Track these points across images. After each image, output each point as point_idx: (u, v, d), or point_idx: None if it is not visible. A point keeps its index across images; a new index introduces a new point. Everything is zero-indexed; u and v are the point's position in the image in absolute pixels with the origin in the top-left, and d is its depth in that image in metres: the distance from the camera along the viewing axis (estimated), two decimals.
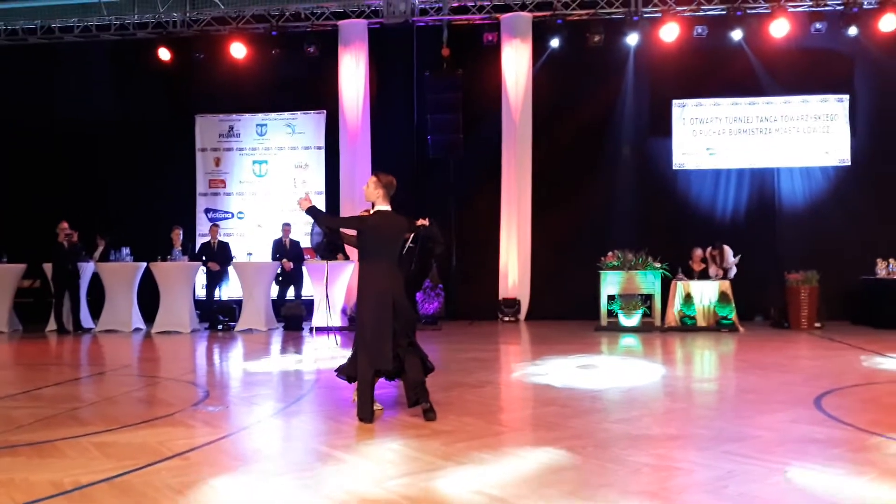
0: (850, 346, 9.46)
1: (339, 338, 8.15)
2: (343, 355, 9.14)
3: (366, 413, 5.28)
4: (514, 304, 13.09)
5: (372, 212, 5.64)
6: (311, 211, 5.63)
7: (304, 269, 12.32)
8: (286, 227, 12.56)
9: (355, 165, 13.26)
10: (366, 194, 5.66)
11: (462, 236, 13.41)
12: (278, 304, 12.29)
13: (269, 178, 13.93)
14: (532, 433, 5.00)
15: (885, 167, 12.84)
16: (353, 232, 5.69)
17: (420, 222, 5.86)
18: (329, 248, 6.34)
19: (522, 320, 13.10)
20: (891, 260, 11.95)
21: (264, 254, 12.70)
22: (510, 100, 13.17)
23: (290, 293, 12.50)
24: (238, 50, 13.44)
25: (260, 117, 13.96)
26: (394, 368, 5.40)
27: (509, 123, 13.19)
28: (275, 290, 12.42)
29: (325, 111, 13.70)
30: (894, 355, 8.47)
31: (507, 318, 12.97)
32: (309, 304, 12.18)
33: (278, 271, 12.30)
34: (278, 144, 13.92)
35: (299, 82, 13.79)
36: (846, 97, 13.03)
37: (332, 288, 11.87)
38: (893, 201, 12.71)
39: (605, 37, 12.92)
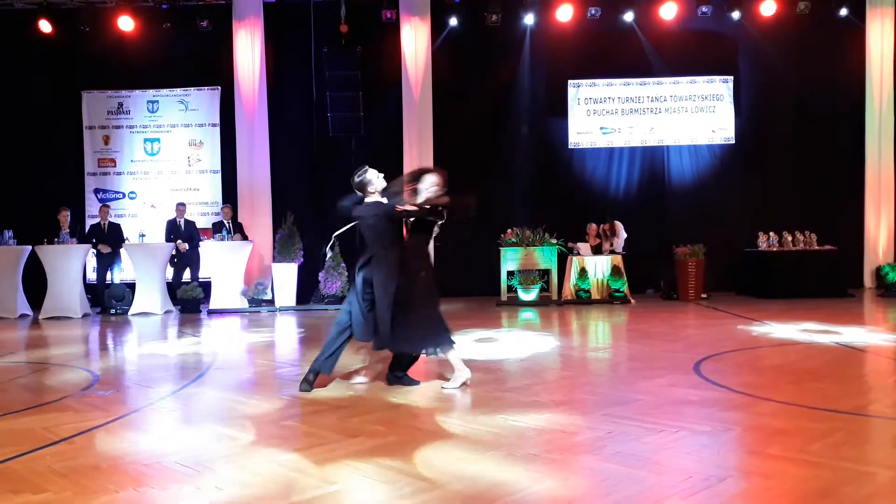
0: (733, 315, 10.02)
1: None
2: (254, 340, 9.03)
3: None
4: None
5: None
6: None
7: (199, 250, 12.03)
8: (181, 207, 12.23)
9: (252, 143, 13.00)
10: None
11: None
12: (174, 287, 11.98)
13: (161, 157, 13.49)
14: (427, 405, 5.11)
15: (766, 145, 13.60)
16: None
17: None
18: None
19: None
20: (772, 233, 12.69)
21: (158, 235, 12.32)
22: (410, 78, 13.18)
23: (187, 275, 12.19)
24: (126, 23, 12.90)
25: (151, 93, 13.47)
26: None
27: (410, 102, 13.21)
28: (170, 273, 12.09)
29: (219, 87, 13.35)
30: (772, 323, 9.04)
31: None
32: (206, 286, 11.92)
33: (173, 253, 11.97)
34: (171, 122, 13.48)
35: (192, 57, 13.36)
36: (731, 78, 13.68)
37: (231, 270, 11.67)
38: (774, 177, 13.48)
39: (502, 16, 13.11)
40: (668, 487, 3.27)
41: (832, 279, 12.22)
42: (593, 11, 13.21)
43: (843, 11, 13.17)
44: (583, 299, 11.87)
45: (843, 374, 5.83)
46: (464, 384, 5.49)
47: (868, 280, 13.39)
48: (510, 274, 12.08)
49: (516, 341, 8.01)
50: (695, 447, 3.88)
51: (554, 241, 11.93)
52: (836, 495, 3.12)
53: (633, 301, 11.85)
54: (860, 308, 10.84)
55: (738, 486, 3.29)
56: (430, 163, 13.28)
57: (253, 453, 3.94)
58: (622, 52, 13.52)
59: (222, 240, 11.80)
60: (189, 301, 11.59)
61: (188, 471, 3.66)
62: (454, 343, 5.59)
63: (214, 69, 13.33)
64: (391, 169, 13.64)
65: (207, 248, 11.84)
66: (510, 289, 12.11)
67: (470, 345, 7.75)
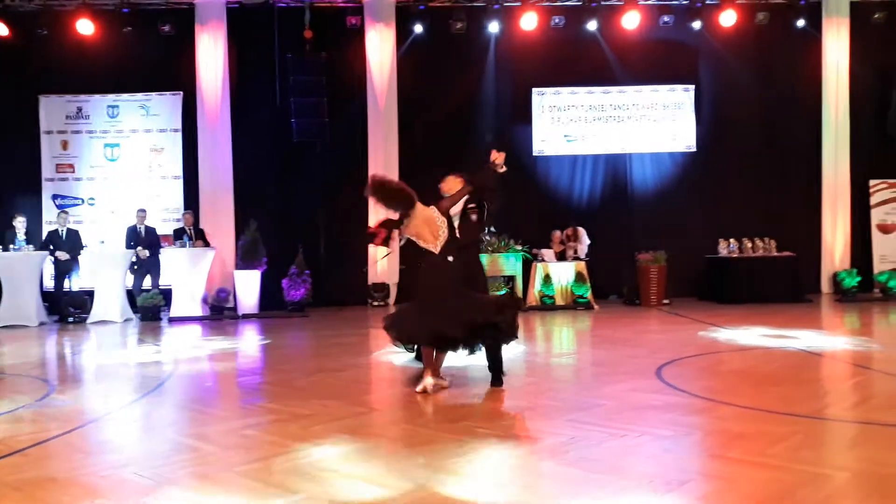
0: (694, 320, 10.15)
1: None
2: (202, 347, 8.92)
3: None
4: (383, 288, 13.14)
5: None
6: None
7: (160, 257, 11.85)
8: (141, 214, 12.04)
9: (215, 149, 12.85)
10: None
11: (330, 221, 13.30)
12: (134, 294, 11.77)
13: (121, 163, 13.25)
14: (391, 413, 5.09)
15: (726, 153, 13.81)
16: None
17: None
18: None
19: (392, 304, 13.17)
20: (732, 240, 12.89)
21: (118, 242, 12.11)
22: (375, 85, 13.15)
23: (147, 282, 11.99)
24: (85, 27, 12.66)
25: (111, 98, 13.24)
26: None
27: (375, 108, 13.18)
28: (130, 280, 11.88)
29: (181, 93, 13.16)
30: (732, 328, 9.17)
31: (376, 303, 13.01)
32: (167, 294, 11.74)
33: (133, 260, 11.77)
34: (131, 127, 13.26)
35: (153, 62, 13.16)
36: (692, 87, 13.88)
37: (192, 277, 11.52)
38: (734, 185, 13.70)
39: (467, 24, 13.15)
40: (631, 492, 3.29)
41: (791, 285, 12.44)
42: (557, 20, 13.32)
43: (801, 22, 13.46)
44: (547, 305, 11.93)
45: (801, 378, 5.93)
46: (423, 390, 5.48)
47: (825, 286, 13.66)
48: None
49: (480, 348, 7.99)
50: (656, 451, 3.92)
51: (518, 247, 11.98)
52: (794, 497, 3.17)
53: (596, 307, 11.94)
54: (818, 313, 11.05)
55: (700, 489, 3.32)
56: (395, 170, 13.27)
57: (213, 463, 3.88)
58: (586, 61, 13.65)
59: (183, 246, 11.63)
60: (149, 309, 11.40)
61: (146, 482, 3.59)
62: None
63: (176, 74, 13.14)
64: (355, 176, 13.68)
65: (168, 254, 11.66)
66: None
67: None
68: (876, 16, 13.45)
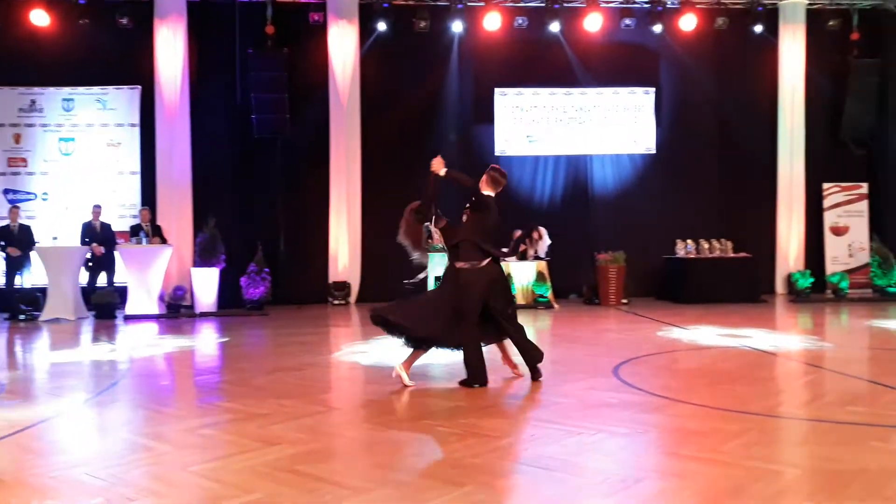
0: (651, 319, 10.28)
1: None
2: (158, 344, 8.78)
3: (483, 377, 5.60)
4: (344, 287, 13.08)
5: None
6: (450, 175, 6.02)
7: (116, 253, 11.62)
8: (96, 210, 11.80)
9: (173, 145, 12.65)
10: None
11: (289, 219, 13.20)
12: (88, 292, 11.53)
13: (76, 157, 12.95)
14: (350, 412, 5.07)
15: (685, 155, 14.02)
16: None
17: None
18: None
19: (353, 303, 13.12)
20: (689, 241, 13.09)
21: (72, 238, 11.85)
22: (338, 82, 13.07)
23: (102, 280, 11.76)
24: (40, 17, 12.34)
25: (66, 91, 12.94)
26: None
27: (337, 105, 13.10)
28: (85, 277, 11.64)
29: (139, 87, 12.91)
30: (688, 327, 9.31)
31: (337, 302, 12.94)
32: (122, 291, 11.53)
33: (88, 256, 11.53)
34: (87, 121, 12.98)
35: (111, 55, 12.88)
36: (652, 90, 14.06)
37: (149, 274, 11.33)
38: (692, 187, 13.92)
39: (430, 23, 13.14)
40: (587, 489, 3.32)
41: (746, 285, 12.68)
42: (520, 21, 13.38)
43: (758, 28, 13.70)
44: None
45: (755, 377, 6.04)
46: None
47: (780, 286, 13.95)
48: (437, 279, 12.09)
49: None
50: (613, 449, 3.96)
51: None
52: (746, 493, 3.23)
53: (556, 306, 12.03)
54: (772, 313, 11.27)
55: (654, 486, 3.36)
56: (357, 168, 13.23)
57: (168, 463, 3.82)
58: (548, 62, 13.73)
59: (140, 243, 11.43)
60: (104, 307, 11.18)
61: (99, 482, 3.52)
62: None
63: (134, 68, 12.88)
64: (316, 173, 13.59)
65: (124, 251, 11.45)
66: None
67: (397, 350, 7.70)
68: (830, 23, 13.76)
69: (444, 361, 6.93)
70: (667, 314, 10.86)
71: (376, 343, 8.25)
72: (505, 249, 6.47)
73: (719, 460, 3.68)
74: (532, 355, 5.82)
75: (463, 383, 5.64)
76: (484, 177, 5.95)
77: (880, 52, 13.94)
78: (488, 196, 5.85)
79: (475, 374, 5.59)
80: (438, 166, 5.95)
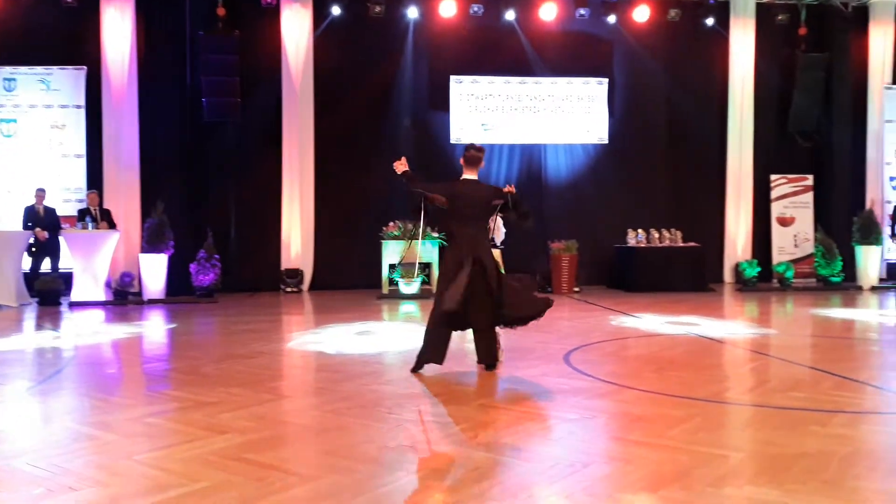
0: (603, 307, 10.42)
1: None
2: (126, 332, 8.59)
3: (437, 355, 5.52)
4: (296, 274, 12.96)
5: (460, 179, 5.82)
6: (405, 175, 5.89)
7: (60, 238, 11.33)
8: (40, 193, 11.47)
9: (121, 128, 12.35)
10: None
11: (241, 205, 13.02)
12: (32, 278, 11.22)
13: (18, 139, 12.55)
14: (300, 399, 5.02)
15: (636, 146, 14.20)
16: (442, 199, 5.80)
17: (507, 189, 5.75)
18: (416, 211, 6.14)
19: (306, 291, 13.02)
20: (640, 230, 13.27)
21: (15, 222, 11.50)
22: (291, 65, 12.91)
23: (46, 265, 11.45)
24: None
25: (7, 71, 12.49)
26: (462, 319, 5.44)
27: (290, 90, 12.94)
28: (28, 263, 11.32)
29: (85, 67, 12.55)
30: (638, 315, 9.45)
31: (289, 289, 12.82)
32: (67, 277, 11.25)
33: (31, 241, 11.21)
34: (30, 101, 12.56)
35: (55, 34, 12.51)
36: (605, 80, 14.17)
37: (95, 260, 11.08)
38: (643, 177, 14.12)
39: (385, 8, 13.03)
40: (536, 474, 3.35)
41: (695, 274, 12.93)
42: (476, 8, 13.36)
43: (710, 21, 13.92)
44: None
45: (701, 364, 6.16)
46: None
47: (728, 275, 14.25)
48: (391, 267, 12.07)
49: (395, 334, 8.01)
50: (562, 434, 4.00)
51: (435, 234, 11.99)
52: (691, 477, 3.29)
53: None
54: (720, 302, 11.51)
55: (602, 470, 3.40)
56: (310, 153, 13.09)
57: (113, 452, 3.75)
58: (504, 51, 13.75)
59: (86, 228, 11.16)
60: (48, 293, 10.90)
61: (41, 472, 3.43)
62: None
63: (80, 48, 12.52)
64: (269, 158, 13.39)
65: (69, 236, 11.16)
66: (391, 282, 12.11)
67: (349, 338, 7.69)
68: (779, 17, 14.04)
69: (399, 349, 6.93)
70: (617, 302, 11.01)
71: (328, 331, 8.20)
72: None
73: (665, 445, 3.75)
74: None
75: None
76: (462, 160, 5.94)
77: (827, 47, 14.28)
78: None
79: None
80: (399, 167, 5.90)
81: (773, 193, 14.46)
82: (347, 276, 13.07)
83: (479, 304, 5.43)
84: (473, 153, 5.88)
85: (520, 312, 5.49)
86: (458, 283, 5.32)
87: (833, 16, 14.26)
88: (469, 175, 5.85)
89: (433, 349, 5.59)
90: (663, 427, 4.07)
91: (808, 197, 14.51)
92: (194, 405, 4.72)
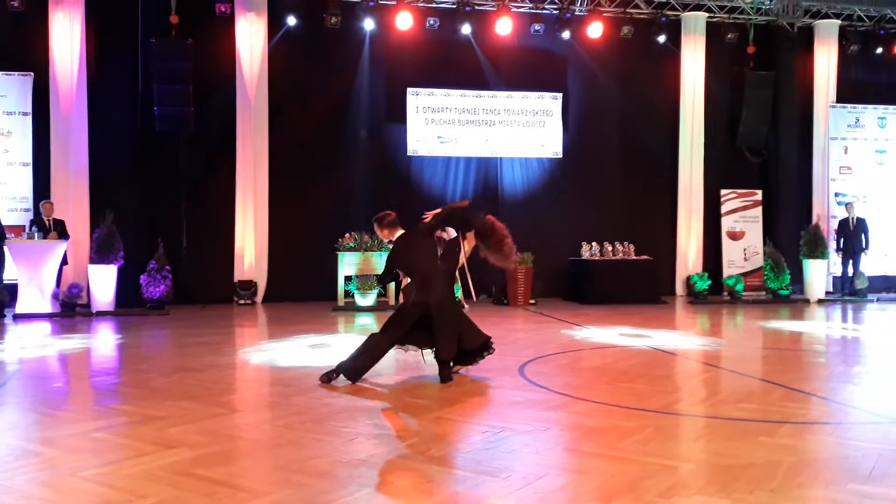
0: (557, 319, 10.50)
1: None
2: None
3: (357, 375, 5.74)
4: (250, 286, 12.80)
5: (394, 240, 6.26)
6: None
7: (5, 249, 11.00)
8: None
9: (69, 135, 12.06)
10: (383, 238, 6.47)
11: (193, 215, 12.83)
12: None
13: None
14: (252, 413, 4.95)
15: (590, 160, 14.38)
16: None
17: (429, 216, 6.20)
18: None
19: (259, 303, 12.86)
20: (594, 243, 13.42)
21: None
22: (245, 75, 12.79)
23: None
24: None
25: None
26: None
27: (244, 100, 12.81)
28: None
29: (32, 73, 12.23)
30: (592, 327, 9.55)
31: (242, 301, 12.65)
32: (12, 288, 10.93)
33: None
34: None
35: (1, 39, 12.21)
36: (560, 95, 14.34)
37: (42, 271, 10.79)
38: (597, 190, 14.30)
39: (341, 19, 13.01)
40: (491, 485, 3.35)
41: (647, 287, 13.11)
42: (432, 21, 13.42)
43: (662, 38, 14.19)
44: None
45: (653, 375, 6.24)
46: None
47: (679, 288, 14.48)
48: (347, 279, 12.00)
49: (350, 347, 7.91)
50: (516, 446, 4.01)
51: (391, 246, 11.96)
52: (640, 488, 3.32)
53: (466, 306, 12.06)
54: (672, 314, 11.69)
55: (555, 482, 3.42)
56: (264, 164, 12.97)
57: (58, 468, 3.64)
58: (460, 64, 13.82)
59: (31, 238, 10.87)
60: None
61: None
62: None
63: (27, 53, 12.19)
64: (222, 168, 13.20)
65: (14, 246, 10.85)
66: (347, 294, 12.04)
67: (303, 350, 7.61)
68: (729, 36, 14.38)
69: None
70: (572, 314, 11.11)
71: (281, 343, 8.11)
72: None
73: (617, 456, 3.79)
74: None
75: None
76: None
77: (774, 65, 14.68)
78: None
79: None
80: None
81: (724, 208, 14.77)
82: (302, 288, 12.94)
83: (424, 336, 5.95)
84: (389, 219, 6.35)
85: (467, 346, 6.02)
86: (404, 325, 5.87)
87: (780, 35, 14.67)
88: (398, 231, 6.29)
89: (360, 372, 5.81)
90: (615, 438, 4.11)
91: (758, 211, 14.85)
92: (143, 419, 4.62)
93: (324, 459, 3.75)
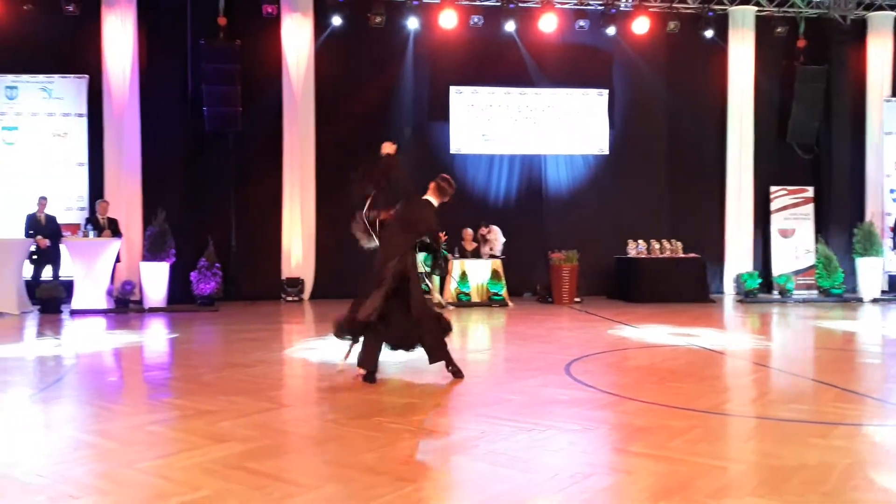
0: (603, 318, 10.42)
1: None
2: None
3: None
4: (297, 283, 12.97)
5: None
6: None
7: (62, 246, 11.33)
8: (42, 201, 11.48)
9: (122, 136, 12.39)
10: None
11: (242, 214, 13.04)
12: (33, 286, 11.23)
13: (20, 147, 12.57)
14: (300, 408, 5.02)
15: (637, 157, 14.24)
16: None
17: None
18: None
19: (306, 300, 13.03)
20: (640, 241, 13.28)
21: (16, 230, 11.51)
22: (291, 75, 12.96)
23: (47, 273, 11.46)
24: None
25: (10, 79, 12.53)
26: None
27: (291, 99, 12.98)
28: (29, 270, 11.33)
29: (87, 76, 12.59)
30: (638, 326, 9.45)
31: (290, 298, 12.83)
32: (68, 285, 11.25)
33: (32, 249, 11.22)
34: (32, 110, 12.59)
35: (57, 43, 12.56)
36: (605, 91, 14.23)
37: (97, 268, 11.08)
38: (643, 187, 14.15)
39: (386, 18, 13.10)
40: (536, 485, 3.35)
41: (696, 285, 12.93)
42: (476, 19, 13.42)
43: (709, 33, 13.98)
44: (463, 302, 12.02)
45: (702, 375, 6.16)
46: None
47: (728, 287, 14.26)
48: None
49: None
50: (563, 445, 4.00)
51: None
52: (690, 488, 3.29)
53: (511, 304, 12.11)
54: (721, 313, 11.51)
55: (603, 482, 3.40)
56: (311, 162, 13.12)
57: (114, 460, 3.74)
58: (504, 61, 13.80)
59: (87, 236, 11.17)
60: (49, 301, 10.90)
61: (41, 480, 3.42)
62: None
63: (82, 57, 12.56)
64: (269, 167, 13.40)
65: (70, 244, 11.17)
66: None
67: (346, 348, 7.67)
68: (778, 29, 14.11)
69: (400, 359, 6.92)
70: (618, 313, 11.01)
71: (328, 340, 8.20)
72: None
73: (666, 456, 3.75)
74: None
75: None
76: (432, 184, 5.91)
77: (826, 58, 14.34)
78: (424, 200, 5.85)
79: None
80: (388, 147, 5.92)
81: (774, 205, 14.49)
82: (348, 286, 12.97)
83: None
84: (445, 186, 6.00)
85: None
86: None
87: (832, 28, 14.33)
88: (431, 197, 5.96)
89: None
90: (664, 438, 4.07)
91: (809, 208, 14.53)
92: (195, 413, 4.72)
93: (371, 455, 3.79)
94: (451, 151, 13.81)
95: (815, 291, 13.64)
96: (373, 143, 13.74)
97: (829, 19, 14.24)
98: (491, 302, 12.09)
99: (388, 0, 13.21)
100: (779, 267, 14.24)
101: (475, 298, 12.20)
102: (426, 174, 14.21)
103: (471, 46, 13.60)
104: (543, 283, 12.92)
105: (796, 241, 14.47)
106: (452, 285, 12.16)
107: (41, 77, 12.60)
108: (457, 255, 12.37)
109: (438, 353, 5.78)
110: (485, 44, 13.64)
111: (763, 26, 14.23)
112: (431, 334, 5.76)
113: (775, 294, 13.53)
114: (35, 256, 11.33)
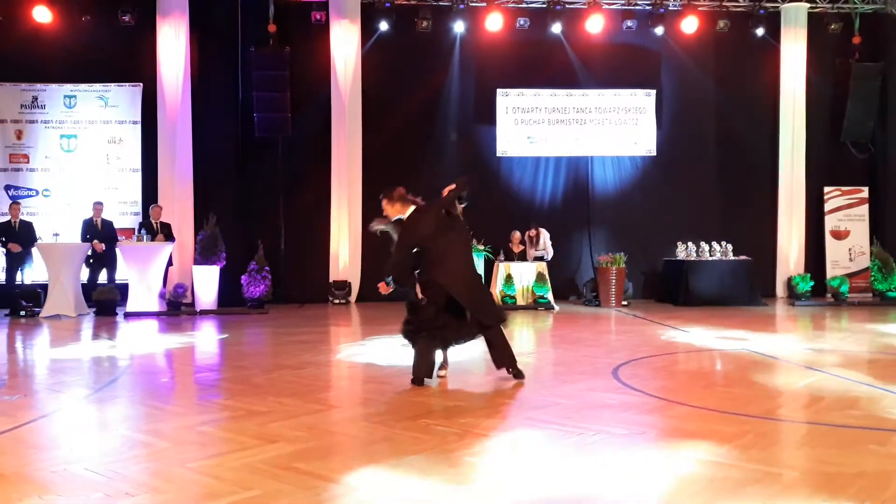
0: (651, 321, 10.29)
1: None
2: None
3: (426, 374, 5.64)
4: (344, 286, 13.09)
5: (406, 218, 5.87)
6: (389, 278, 5.89)
7: (117, 250, 11.64)
8: (98, 206, 11.82)
9: (175, 143, 12.68)
10: (390, 216, 6.02)
11: (290, 218, 13.22)
12: (89, 289, 11.55)
13: (78, 154, 12.99)
14: (349, 410, 5.07)
15: (686, 158, 14.04)
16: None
17: (446, 192, 5.91)
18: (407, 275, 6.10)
19: (353, 302, 13.14)
20: (689, 243, 13.08)
21: (73, 234, 11.87)
22: (339, 81, 13.09)
23: (103, 276, 11.78)
24: (42, 14, 12.39)
25: (68, 88, 12.96)
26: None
27: (339, 104, 13.12)
28: (85, 274, 11.66)
29: (141, 84, 12.94)
30: (687, 329, 9.31)
31: (337, 301, 12.95)
32: (123, 288, 11.55)
33: (89, 253, 11.55)
34: (89, 118, 13.00)
35: (113, 52, 12.93)
36: (653, 92, 14.06)
37: (150, 271, 11.34)
38: (692, 189, 13.94)
39: (432, 23, 13.16)
40: (585, 488, 3.32)
41: (746, 288, 12.69)
42: (522, 22, 13.39)
43: (760, 31, 13.73)
44: (509, 305, 11.99)
45: (753, 380, 6.04)
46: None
47: (780, 290, 13.95)
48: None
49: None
50: (611, 449, 3.96)
51: (481, 247, 12.02)
52: (744, 495, 3.23)
53: (556, 307, 12.05)
54: (772, 316, 11.28)
55: (652, 487, 3.36)
56: (358, 167, 13.25)
57: (167, 459, 3.83)
58: (550, 63, 13.75)
59: (141, 240, 11.45)
60: (105, 303, 11.20)
61: (98, 477, 3.52)
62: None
63: (136, 65, 12.92)
64: (318, 172, 13.56)
65: (125, 248, 11.46)
66: None
67: (396, 349, 7.72)
68: (832, 27, 13.78)
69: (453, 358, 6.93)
70: (666, 316, 10.86)
71: (374, 343, 8.26)
72: None
73: (717, 462, 3.69)
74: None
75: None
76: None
77: (881, 55, 13.96)
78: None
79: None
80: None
81: (827, 206, 14.14)
82: (395, 289, 13.11)
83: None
84: (398, 193, 6.07)
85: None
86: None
87: (888, 24, 13.93)
88: (409, 207, 5.96)
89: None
90: (715, 443, 4.00)
91: (864, 209, 14.15)
92: (245, 414, 4.80)
93: (420, 457, 3.81)
94: (498, 154, 13.80)
95: (870, 294, 13.26)
96: (419, 146, 13.97)
97: (886, 15, 13.86)
98: (536, 305, 12.04)
99: (435, 4, 13.28)
100: (832, 269, 13.89)
101: (520, 301, 12.16)
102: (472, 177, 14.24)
103: (517, 49, 13.57)
104: (590, 285, 12.82)
105: (850, 242, 14.09)
106: (497, 287, 12.13)
107: (98, 86, 12.98)
108: (503, 258, 12.35)
109: (507, 355, 5.74)
110: (531, 46, 13.61)
111: (816, 23, 13.90)
112: (498, 336, 5.74)
113: (829, 297, 13.19)
114: (91, 260, 11.66)
